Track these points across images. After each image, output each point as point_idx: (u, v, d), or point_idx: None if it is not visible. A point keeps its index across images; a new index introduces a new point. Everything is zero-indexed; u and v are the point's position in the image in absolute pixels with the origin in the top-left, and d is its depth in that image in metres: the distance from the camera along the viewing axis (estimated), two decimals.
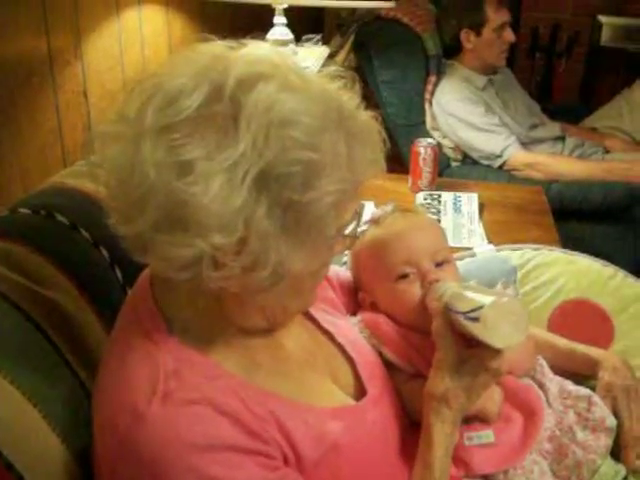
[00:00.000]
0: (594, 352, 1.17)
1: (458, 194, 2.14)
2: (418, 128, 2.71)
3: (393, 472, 0.94)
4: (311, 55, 1.85)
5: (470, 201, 2.10)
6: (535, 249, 1.40)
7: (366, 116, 0.84)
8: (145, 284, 0.88)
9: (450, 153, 2.73)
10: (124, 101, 0.78)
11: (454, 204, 2.08)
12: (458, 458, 1.02)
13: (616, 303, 1.29)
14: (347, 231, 0.86)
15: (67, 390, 0.91)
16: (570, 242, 2.47)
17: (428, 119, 2.74)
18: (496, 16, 2.68)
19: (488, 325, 0.87)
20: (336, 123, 0.78)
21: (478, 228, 1.96)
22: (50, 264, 0.98)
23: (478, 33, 2.70)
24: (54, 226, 1.04)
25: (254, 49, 0.81)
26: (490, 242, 1.85)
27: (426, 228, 1.13)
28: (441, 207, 2.06)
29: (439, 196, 2.12)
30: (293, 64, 0.81)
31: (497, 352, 0.90)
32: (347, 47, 2.77)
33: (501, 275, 1.31)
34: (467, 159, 2.70)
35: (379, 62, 2.68)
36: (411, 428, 1.00)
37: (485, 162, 2.62)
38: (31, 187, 1.29)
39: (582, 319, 1.29)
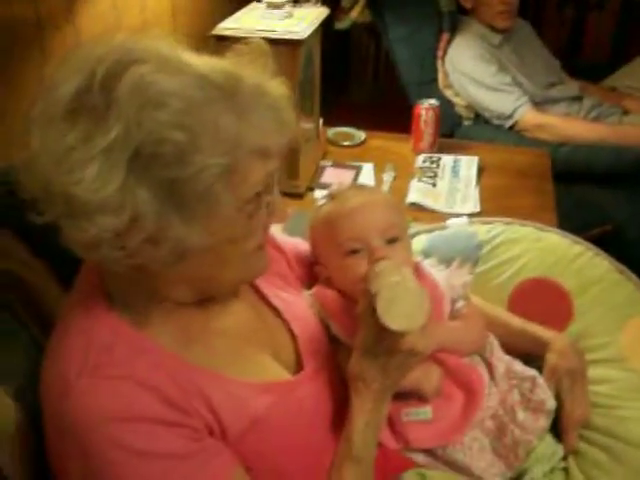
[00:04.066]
0: (545, 334, 1.18)
1: (458, 157, 2.14)
2: (430, 86, 2.67)
3: (323, 446, 0.97)
4: (308, 16, 1.83)
5: (469, 165, 2.09)
6: (506, 223, 1.38)
7: (270, 86, 0.85)
8: None
9: (462, 112, 2.68)
10: None
11: (453, 168, 2.08)
12: (397, 432, 1.06)
13: (578, 283, 1.27)
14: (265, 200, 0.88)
15: (21, 349, 0.96)
16: (579, 206, 2.47)
17: (440, 77, 2.69)
18: None
19: (383, 307, 0.89)
20: (220, 99, 0.79)
21: (473, 193, 1.95)
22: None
23: None
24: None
25: (142, 36, 0.82)
26: (480, 209, 1.86)
27: (379, 205, 1.13)
28: (439, 170, 2.05)
29: (439, 159, 2.12)
30: (174, 50, 0.82)
31: (401, 334, 0.91)
32: (361, 3, 2.73)
33: (464, 251, 1.31)
34: (479, 118, 2.65)
35: (391, 19, 2.65)
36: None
37: (496, 122, 2.57)
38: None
39: (542, 298, 1.27)
